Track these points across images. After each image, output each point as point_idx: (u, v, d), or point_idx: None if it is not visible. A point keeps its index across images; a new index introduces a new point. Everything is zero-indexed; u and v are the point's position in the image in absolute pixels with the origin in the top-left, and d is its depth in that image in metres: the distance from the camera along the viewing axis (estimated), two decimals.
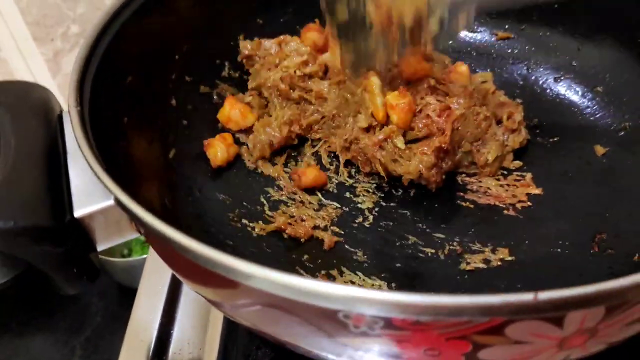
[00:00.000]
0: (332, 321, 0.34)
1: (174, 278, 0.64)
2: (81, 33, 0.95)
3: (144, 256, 0.93)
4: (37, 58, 0.97)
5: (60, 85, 0.99)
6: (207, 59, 0.66)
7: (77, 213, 0.39)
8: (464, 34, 0.73)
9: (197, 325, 0.59)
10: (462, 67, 0.61)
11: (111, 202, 0.40)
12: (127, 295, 0.99)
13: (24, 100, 0.46)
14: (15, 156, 0.40)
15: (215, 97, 0.66)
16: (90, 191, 0.41)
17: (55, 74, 0.98)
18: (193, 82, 0.64)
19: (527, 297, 0.28)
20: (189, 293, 0.63)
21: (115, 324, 0.94)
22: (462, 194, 0.58)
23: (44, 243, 0.37)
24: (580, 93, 0.64)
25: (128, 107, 0.53)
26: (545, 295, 0.28)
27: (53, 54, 0.97)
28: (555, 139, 0.62)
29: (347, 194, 0.59)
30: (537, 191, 0.57)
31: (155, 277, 0.64)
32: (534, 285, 0.49)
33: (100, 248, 0.42)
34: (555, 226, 0.54)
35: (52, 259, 0.38)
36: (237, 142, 0.62)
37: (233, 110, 0.62)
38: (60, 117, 0.46)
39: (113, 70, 0.51)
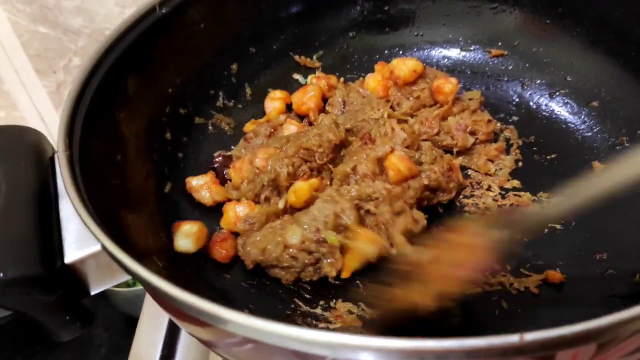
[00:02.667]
0: None
1: None
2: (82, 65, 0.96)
3: None
4: (39, 90, 0.98)
5: None
6: (201, 90, 0.66)
7: (68, 259, 0.39)
8: (457, 53, 0.73)
9: (198, 358, 0.59)
10: (449, 85, 0.61)
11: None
12: (132, 326, 0.98)
13: (15, 145, 0.46)
14: (5, 203, 0.40)
15: (210, 127, 0.66)
16: (82, 235, 0.41)
17: (57, 106, 1.00)
18: (187, 115, 0.64)
19: (512, 338, 0.28)
20: None
21: (119, 356, 0.94)
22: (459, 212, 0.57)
23: (34, 292, 0.37)
24: (575, 109, 0.64)
25: (121, 144, 0.54)
26: (531, 336, 0.27)
27: (56, 86, 0.98)
28: (553, 156, 0.61)
29: None
30: None
31: (156, 309, 0.63)
32: (534, 309, 0.49)
33: (93, 292, 0.42)
34: (555, 246, 0.53)
35: (43, 307, 0.38)
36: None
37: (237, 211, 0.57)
38: (52, 159, 0.47)
39: (105, 109, 0.52)
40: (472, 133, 0.60)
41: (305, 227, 0.51)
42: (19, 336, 0.95)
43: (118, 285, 0.94)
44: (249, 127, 0.66)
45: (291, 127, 0.64)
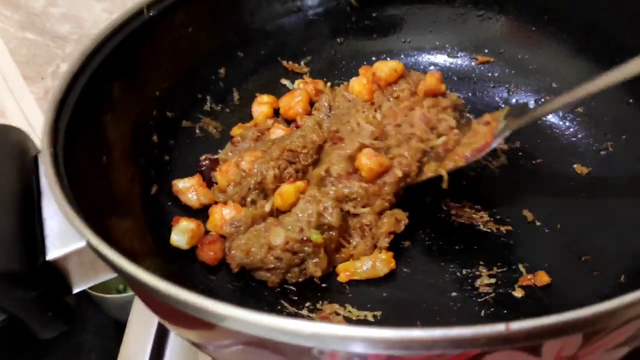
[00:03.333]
0: (309, 358, 0.33)
1: None
2: None
3: None
4: (27, 97, 0.98)
5: None
6: (188, 94, 0.66)
7: (50, 255, 0.39)
8: (444, 60, 0.73)
9: None
10: (433, 78, 0.61)
11: (84, 243, 0.39)
12: (122, 332, 0.97)
13: None
14: None
15: (197, 131, 0.66)
16: (64, 232, 0.41)
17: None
18: (175, 118, 0.64)
19: (499, 327, 0.27)
20: None
21: None
22: (445, 216, 0.57)
23: (15, 288, 0.36)
24: (561, 114, 0.65)
25: (107, 145, 0.53)
26: (517, 325, 0.27)
27: (44, 93, 0.97)
28: (538, 161, 0.62)
29: None
30: (521, 216, 0.56)
31: (144, 314, 0.63)
32: (521, 310, 0.49)
33: (76, 290, 0.41)
34: (540, 248, 0.54)
35: (25, 304, 0.37)
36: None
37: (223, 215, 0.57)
38: (36, 158, 0.46)
39: (90, 110, 0.51)
40: (433, 129, 0.59)
41: (289, 227, 0.51)
42: (8, 342, 0.94)
43: (108, 292, 0.93)
44: (236, 131, 0.66)
45: (278, 132, 0.64)
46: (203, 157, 0.63)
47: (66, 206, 0.37)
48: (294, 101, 0.67)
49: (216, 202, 0.58)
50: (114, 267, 0.35)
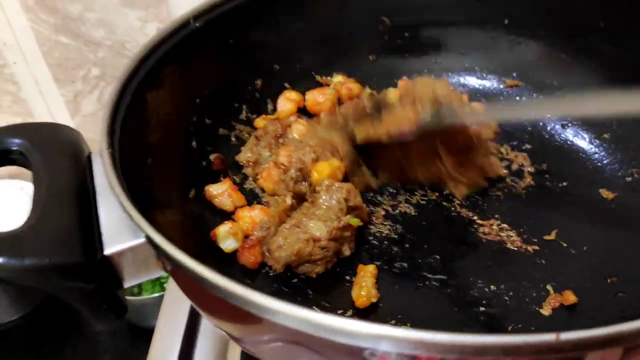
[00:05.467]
0: (356, 359, 0.34)
1: (191, 318, 0.65)
2: (101, 76, 0.98)
3: (155, 295, 0.93)
4: (56, 99, 1.00)
5: (78, 126, 1.01)
6: (225, 103, 0.68)
7: (107, 251, 0.40)
8: (473, 81, 0.75)
9: None
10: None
11: (140, 240, 0.41)
12: (137, 334, 0.99)
13: (54, 141, 0.47)
14: (48, 194, 0.42)
15: (233, 139, 0.68)
16: (119, 230, 0.42)
17: (73, 115, 1.01)
18: (212, 125, 0.66)
19: (549, 337, 0.29)
20: (206, 333, 0.63)
21: None
22: (474, 233, 0.59)
23: (76, 280, 0.38)
24: (587, 139, 0.66)
25: (152, 148, 0.55)
26: (567, 335, 0.29)
27: (73, 96, 0.99)
28: (564, 184, 0.63)
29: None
30: (548, 236, 0.58)
31: (172, 317, 0.64)
32: (548, 327, 0.50)
33: (126, 285, 0.43)
34: (567, 268, 0.55)
35: (82, 296, 0.39)
36: None
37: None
38: (89, 158, 0.48)
39: (139, 114, 0.54)
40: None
41: (324, 218, 0.54)
42: (25, 341, 0.95)
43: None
44: (259, 122, 0.68)
45: (299, 127, 0.66)
46: (213, 156, 0.64)
47: (129, 205, 0.39)
48: (322, 97, 0.69)
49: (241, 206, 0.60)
50: (171, 261, 0.36)
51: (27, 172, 1.03)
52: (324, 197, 0.55)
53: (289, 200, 0.58)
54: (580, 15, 0.68)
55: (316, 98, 0.69)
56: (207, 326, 0.65)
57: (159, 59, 0.57)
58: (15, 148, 0.44)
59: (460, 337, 0.29)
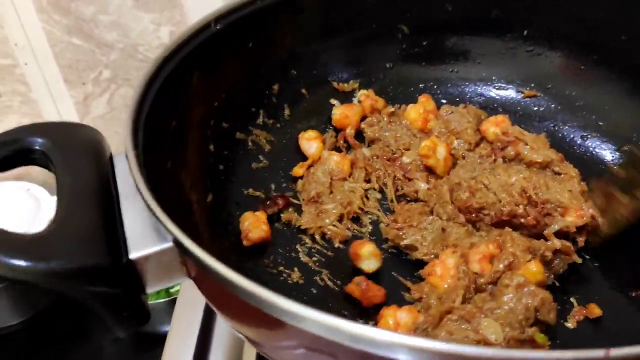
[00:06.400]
0: None
1: (204, 323, 0.64)
2: (112, 78, 0.97)
3: (160, 300, 0.92)
4: (66, 100, 0.99)
5: None
6: (243, 107, 0.67)
7: (133, 255, 0.39)
8: (490, 91, 0.75)
9: None
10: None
11: (164, 245, 0.40)
12: (140, 339, 0.97)
13: (76, 141, 0.47)
14: (72, 196, 0.41)
15: (250, 143, 0.67)
16: (143, 234, 0.41)
17: (83, 117, 1.00)
18: (230, 129, 0.65)
19: (598, 353, 0.28)
20: (220, 338, 0.62)
21: None
22: None
23: (101, 283, 0.37)
24: (607, 151, 0.66)
25: (172, 151, 0.55)
26: (617, 352, 0.28)
27: (83, 98, 0.99)
28: None
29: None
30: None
31: (185, 323, 0.63)
32: (573, 340, 0.50)
33: (149, 291, 0.42)
34: (591, 282, 0.54)
35: (106, 300, 0.38)
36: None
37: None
38: (111, 159, 0.47)
39: (160, 116, 0.53)
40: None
41: (502, 321, 0.45)
42: (27, 345, 0.93)
43: None
44: (298, 170, 0.67)
45: (334, 158, 0.65)
46: (275, 196, 0.63)
47: (156, 207, 0.38)
48: (350, 112, 0.69)
49: (386, 304, 0.52)
50: (201, 265, 0.36)
51: (33, 174, 1.02)
52: (510, 295, 0.46)
53: (458, 302, 0.48)
54: (600, 27, 0.67)
55: (345, 112, 0.69)
56: (221, 332, 0.64)
57: (180, 61, 0.56)
58: (37, 147, 0.44)
59: (511, 353, 0.28)
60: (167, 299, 0.89)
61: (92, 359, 0.97)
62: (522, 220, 0.54)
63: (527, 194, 0.55)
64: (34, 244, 0.36)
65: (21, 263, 0.35)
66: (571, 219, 0.53)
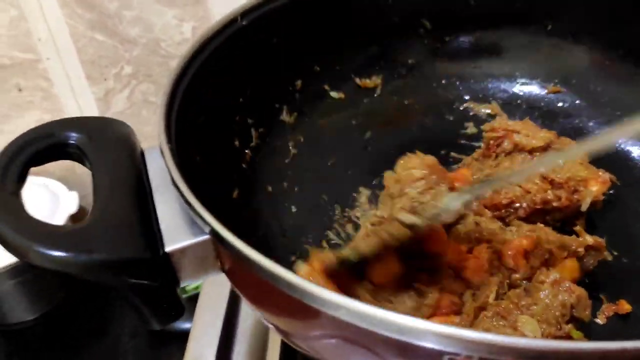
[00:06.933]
0: None
1: (227, 319, 0.64)
2: (134, 74, 0.97)
3: None
4: (88, 96, 1.00)
5: None
6: (266, 103, 0.68)
7: (168, 248, 0.40)
8: (513, 87, 0.75)
9: None
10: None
11: (199, 238, 0.41)
12: (157, 335, 0.97)
13: (110, 136, 0.47)
14: (108, 189, 0.41)
15: (274, 140, 0.67)
16: (177, 227, 0.42)
17: (103, 113, 1.01)
18: (254, 124, 0.66)
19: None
20: (244, 334, 0.63)
21: None
22: None
23: (141, 276, 0.37)
24: (635, 147, 0.65)
25: (200, 146, 0.55)
26: None
27: (104, 93, 0.99)
28: (612, 192, 0.62)
29: None
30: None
31: (208, 319, 0.64)
32: (604, 336, 0.49)
33: (183, 284, 0.42)
34: (620, 278, 0.54)
35: (144, 293, 0.38)
36: None
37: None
38: (142, 154, 0.48)
39: (189, 111, 0.53)
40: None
41: (539, 318, 0.45)
42: (43, 340, 0.94)
43: None
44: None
45: None
46: None
47: (194, 199, 0.38)
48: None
49: None
50: (239, 256, 0.36)
51: (50, 169, 1.03)
52: (546, 291, 0.47)
53: (492, 298, 0.47)
54: (626, 20, 0.67)
55: None
56: (245, 327, 0.65)
57: (207, 57, 0.57)
58: (72, 142, 0.44)
59: (556, 344, 0.28)
60: (183, 296, 0.89)
61: (108, 355, 0.98)
62: (555, 204, 0.54)
63: (549, 179, 0.55)
64: (75, 236, 0.36)
65: (62, 254, 0.35)
66: (596, 188, 0.53)
